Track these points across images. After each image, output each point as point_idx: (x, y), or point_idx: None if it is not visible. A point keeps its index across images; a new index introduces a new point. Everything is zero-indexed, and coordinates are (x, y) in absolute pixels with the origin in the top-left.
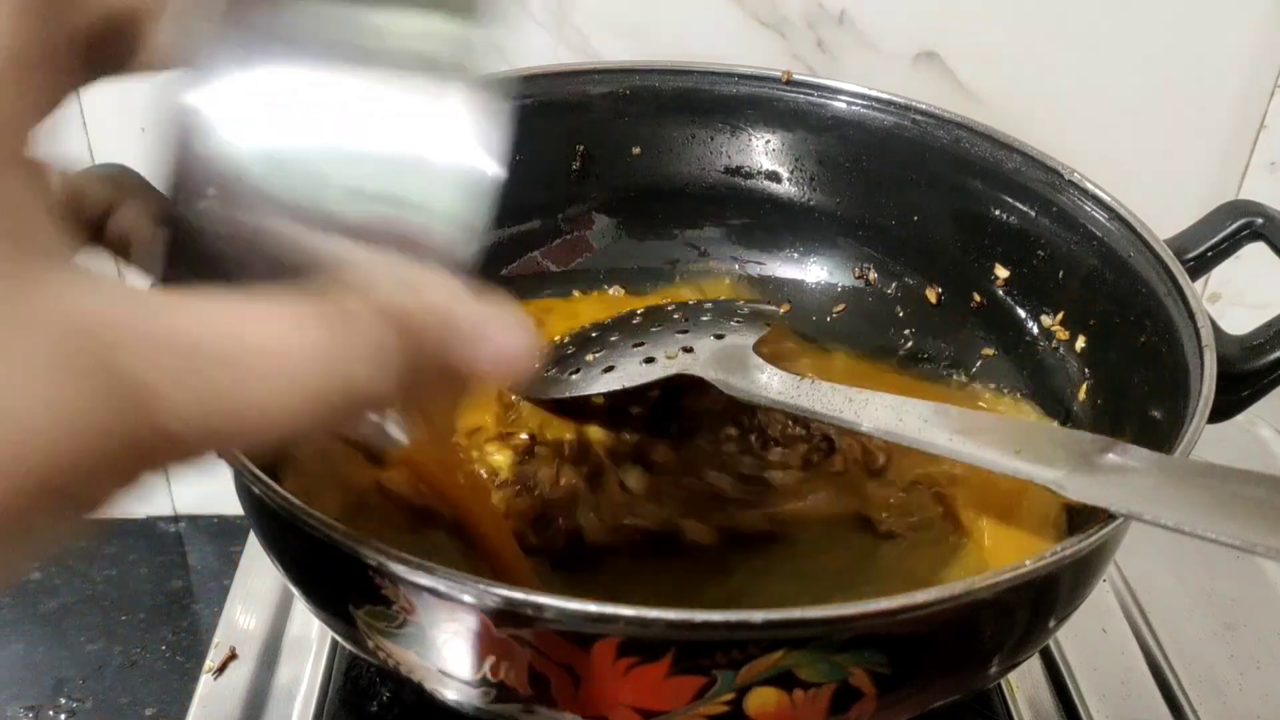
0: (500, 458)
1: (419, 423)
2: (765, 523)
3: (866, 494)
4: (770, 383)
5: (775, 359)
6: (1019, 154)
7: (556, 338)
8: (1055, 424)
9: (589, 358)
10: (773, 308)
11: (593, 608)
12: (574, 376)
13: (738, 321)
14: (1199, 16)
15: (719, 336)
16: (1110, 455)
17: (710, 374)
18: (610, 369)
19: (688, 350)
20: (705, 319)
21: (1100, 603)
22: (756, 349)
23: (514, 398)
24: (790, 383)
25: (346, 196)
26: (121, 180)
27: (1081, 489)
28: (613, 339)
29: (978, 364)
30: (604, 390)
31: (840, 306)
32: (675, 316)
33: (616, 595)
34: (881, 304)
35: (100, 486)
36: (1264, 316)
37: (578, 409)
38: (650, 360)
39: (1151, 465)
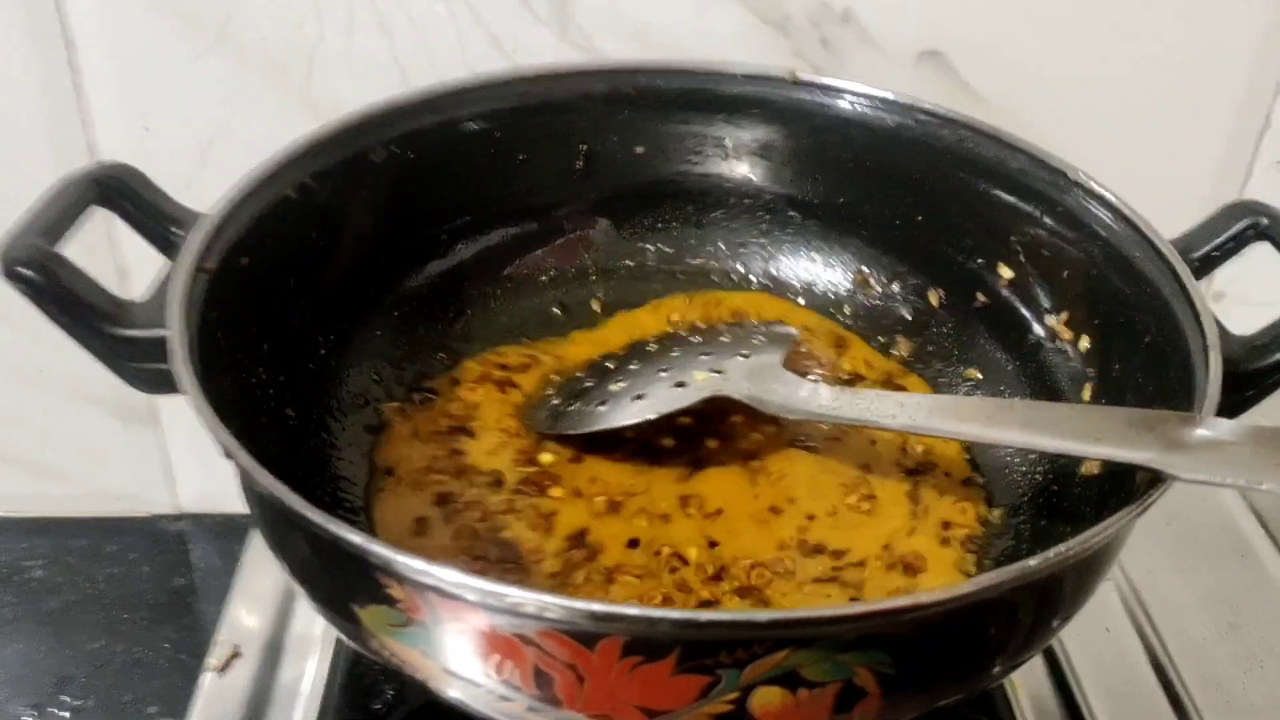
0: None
1: None
2: None
3: None
4: (814, 395)
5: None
6: (1024, 154)
7: (555, 377)
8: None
9: (613, 388)
10: (788, 330)
11: (597, 607)
12: (601, 408)
13: (759, 341)
14: (1204, 16)
15: (745, 355)
16: (1199, 431)
17: (745, 391)
18: (640, 397)
19: (717, 371)
20: (724, 340)
21: (1104, 602)
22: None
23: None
24: (834, 394)
25: None
26: None
27: (1184, 467)
28: (633, 367)
29: (981, 364)
30: (637, 420)
31: (843, 307)
32: (694, 340)
33: None
34: (885, 304)
35: None
36: (1269, 316)
37: (606, 444)
38: (681, 384)
39: (1245, 436)
